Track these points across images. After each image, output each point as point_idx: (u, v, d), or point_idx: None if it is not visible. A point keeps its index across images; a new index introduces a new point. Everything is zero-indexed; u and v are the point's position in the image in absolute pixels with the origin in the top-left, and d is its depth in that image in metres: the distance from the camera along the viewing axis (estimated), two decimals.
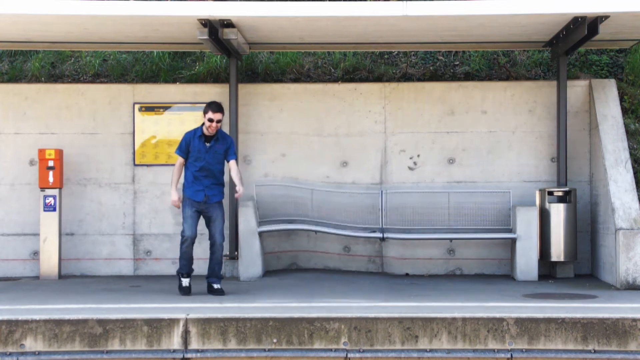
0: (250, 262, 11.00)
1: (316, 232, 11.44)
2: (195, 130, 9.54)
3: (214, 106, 9.44)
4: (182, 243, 9.52)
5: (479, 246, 11.69)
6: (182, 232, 9.52)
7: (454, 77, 12.54)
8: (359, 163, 11.86)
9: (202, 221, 9.49)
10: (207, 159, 9.45)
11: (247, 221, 11.02)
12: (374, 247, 11.81)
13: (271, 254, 11.73)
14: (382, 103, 11.90)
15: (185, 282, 9.57)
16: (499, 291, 9.65)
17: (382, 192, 11.56)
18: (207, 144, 9.46)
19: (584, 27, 9.97)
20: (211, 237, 9.59)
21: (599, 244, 11.08)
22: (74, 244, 11.80)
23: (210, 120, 9.35)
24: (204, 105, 9.48)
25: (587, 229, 11.57)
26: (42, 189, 11.36)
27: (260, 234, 11.16)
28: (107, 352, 7.77)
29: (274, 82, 12.39)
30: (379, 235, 11.20)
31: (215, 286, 9.57)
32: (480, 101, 11.86)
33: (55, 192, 11.36)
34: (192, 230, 9.48)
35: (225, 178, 9.75)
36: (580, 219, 11.45)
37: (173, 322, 7.81)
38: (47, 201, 11.34)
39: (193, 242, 9.54)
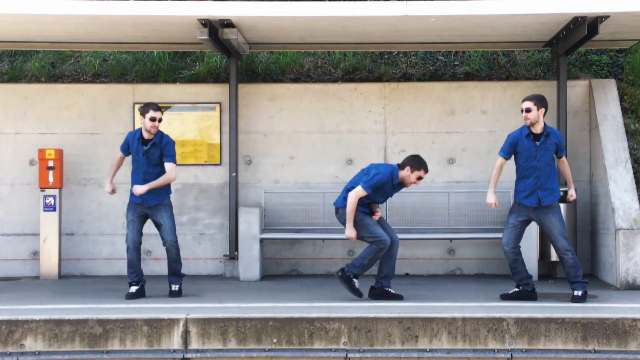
0: (249, 265, 11.00)
1: (324, 239, 11.42)
2: (135, 132, 9.42)
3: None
4: (126, 250, 9.41)
5: (478, 246, 11.70)
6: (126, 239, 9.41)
7: (454, 77, 12.54)
8: (363, 162, 11.84)
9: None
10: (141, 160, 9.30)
11: (250, 226, 10.99)
12: None
13: (270, 260, 11.73)
14: (382, 103, 11.90)
15: (132, 289, 9.25)
16: (499, 291, 9.64)
17: None
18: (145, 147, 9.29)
19: (584, 27, 9.97)
20: (162, 240, 9.44)
21: (599, 244, 11.09)
22: (74, 244, 11.80)
23: None
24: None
25: (587, 229, 11.57)
26: (42, 189, 11.36)
27: (262, 240, 11.15)
28: (107, 352, 7.77)
29: (274, 82, 12.40)
30: None
31: (173, 287, 9.38)
32: (480, 101, 11.86)
33: (55, 192, 11.36)
34: (134, 235, 9.34)
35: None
36: (580, 219, 11.45)
37: (173, 322, 7.81)
38: (47, 201, 11.34)
39: (138, 249, 9.35)
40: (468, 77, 12.52)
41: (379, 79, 12.43)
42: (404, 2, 9.82)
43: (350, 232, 8.89)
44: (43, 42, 11.66)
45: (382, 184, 8.84)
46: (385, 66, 12.69)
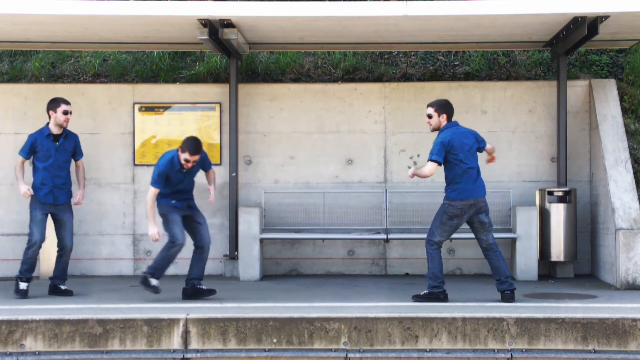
0: (249, 264, 11.00)
1: (323, 239, 11.43)
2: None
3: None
4: (29, 248, 9.45)
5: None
6: (30, 235, 9.44)
7: (454, 77, 12.54)
8: (363, 162, 11.85)
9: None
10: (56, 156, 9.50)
11: (250, 226, 11.00)
12: (378, 249, 11.79)
13: (270, 260, 11.73)
14: (382, 103, 11.90)
15: (24, 285, 9.42)
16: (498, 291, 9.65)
17: (386, 190, 11.57)
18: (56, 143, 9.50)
19: (584, 27, 9.97)
20: (61, 241, 9.60)
21: (599, 244, 11.08)
22: (74, 244, 11.75)
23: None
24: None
25: (587, 229, 11.57)
26: None
27: (262, 239, 11.15)
28: (107, 352, 7.77)
29: (274, 82, 12.39)
30: (383, 236, 11.19)
31: (63, 287, 9.63)
32: (480, 101, 11.86)
33: None
34: (43, 235, 9.47)
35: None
36: (580, 219, 11.45)
37: (173, 322, 7.81)
38: None
39: (40, 247, 9.53)
40: (468, 77, 12.51)
41: (379, 79, 12.43)
42: (404, 2, 9.82)
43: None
44: (43, 42, 11.65)
45: None
46: (385, 66, 12.69)
